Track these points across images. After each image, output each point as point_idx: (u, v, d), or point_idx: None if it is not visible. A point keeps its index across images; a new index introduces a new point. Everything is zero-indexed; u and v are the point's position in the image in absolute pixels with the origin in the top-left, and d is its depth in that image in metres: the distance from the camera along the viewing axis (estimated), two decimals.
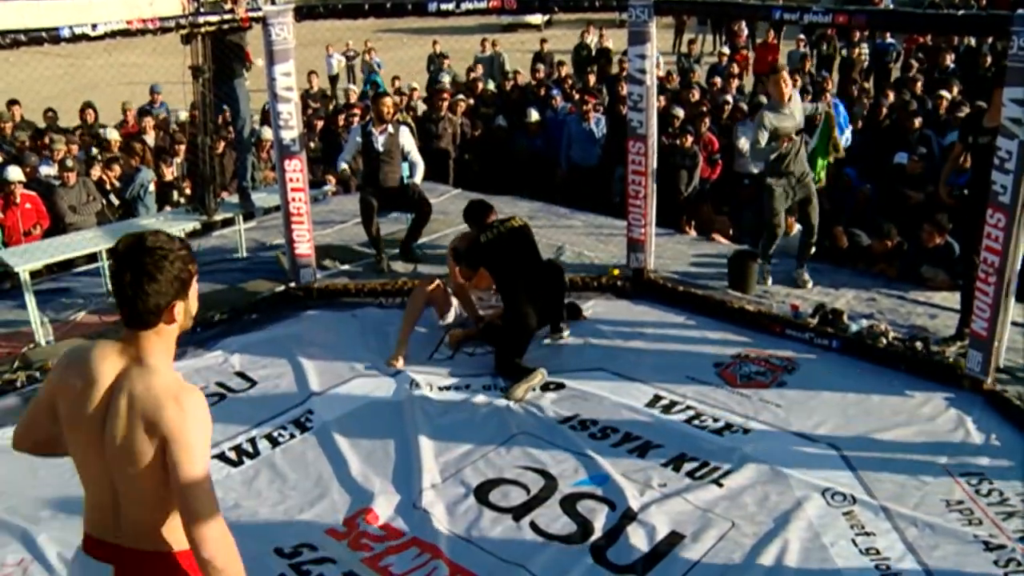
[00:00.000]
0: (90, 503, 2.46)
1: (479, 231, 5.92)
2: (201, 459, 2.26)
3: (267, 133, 9.47)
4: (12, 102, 10.90)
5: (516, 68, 14.63)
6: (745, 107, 10.14)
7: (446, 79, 13.55)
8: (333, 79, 18.28)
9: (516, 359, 5.65)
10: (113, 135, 10.22)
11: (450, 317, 6.25)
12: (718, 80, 12.39)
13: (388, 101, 7.54)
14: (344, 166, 7.64)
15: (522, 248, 5.92)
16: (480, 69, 14.68)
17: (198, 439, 2.27)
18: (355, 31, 17.15)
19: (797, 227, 7.48)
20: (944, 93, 9.91)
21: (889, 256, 7.41)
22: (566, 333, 6.13)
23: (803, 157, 6.64)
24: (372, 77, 16.33)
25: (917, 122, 9.28)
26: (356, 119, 9.79)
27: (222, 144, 9.00)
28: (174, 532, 2.36)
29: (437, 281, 6.15)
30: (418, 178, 7.53)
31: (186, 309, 2.37)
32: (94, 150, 9.95)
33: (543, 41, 17.19)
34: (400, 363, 5.82)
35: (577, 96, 11.53)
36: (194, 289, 2.39)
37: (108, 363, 2.32)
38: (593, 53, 16.72)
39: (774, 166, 6.60)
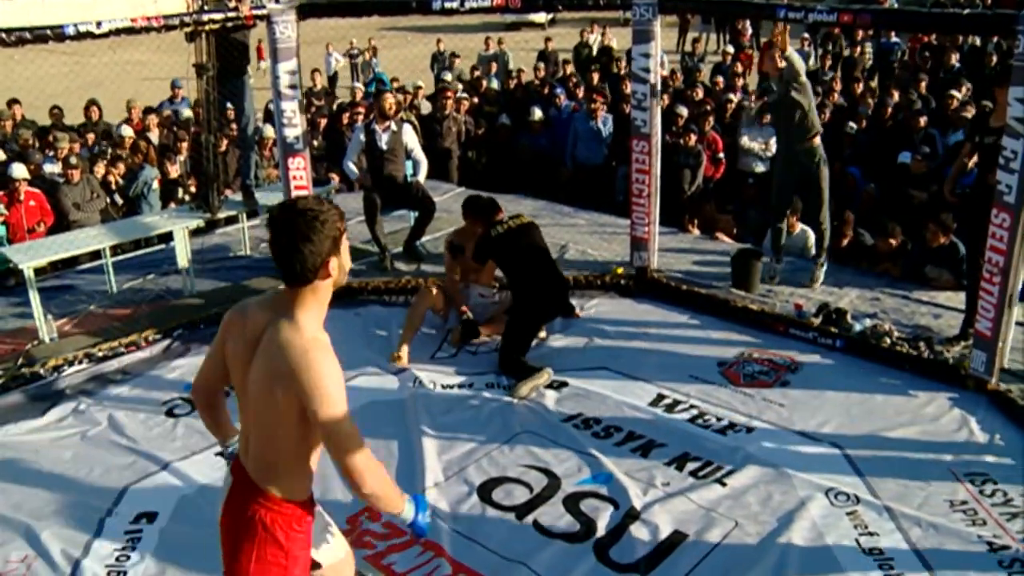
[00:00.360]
0: (241, 432, 2.78)
1: (488, 226, 5.90)
2: (340, 405, 2.49)
3: (269, 131, 9.48)
4: (13, 101, 10.92)
5: (520, 67, 14.63)
6: (752, 106, 10.11)
7: (448, 76, 13.56)
8: (332, 78, 18.29)
9: (522, 356, 5.65)
10: (127, 132, 10.24)
11: (452, 320, 6.26)
12: (721, 80, 12.38)
13: (389, 97, 7.55)
14: (352, 167, 7.59)
15: (532, 242, 5.89)
16: (493, 67, 14.70)
17: (333, 387, 2.49)
18: (359, 29, 17.18)
19: (800, 226, 7.49)
20: (955, 93, 9.89)
21: (893, 256, 7.40)
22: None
23: (800, 135, 6.46)
24: (379, 75, 16.35)
25: (922, 121, 9.26)
26: (360, 117, 9.79)
27: (225, 142, 9.01)
28: (276, 476, 2.64)
29: (436, 290, 6.16)
30: (422, 176, 7.52)
31: (340, 264, 2.59)
32: (108, 148, 9.96)
33: (547, 40, 17.20)
34: (404, 359, 5.82)
35: (581, 94, 11.53)
36: (345, 245, 2.60)
37: (264, 313, 2.61)
38: (594, 53, 16.69)
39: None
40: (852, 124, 9.56)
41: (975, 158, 5.77)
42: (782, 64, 6.40)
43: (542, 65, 14.15)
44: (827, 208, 6.63)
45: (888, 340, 5.81)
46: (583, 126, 10.04)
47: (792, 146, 6.48)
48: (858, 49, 14.47)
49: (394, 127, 7.31)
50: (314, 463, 2.74)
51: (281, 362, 2.49)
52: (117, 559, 4.09)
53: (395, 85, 13.11)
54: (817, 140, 6.44)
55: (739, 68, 12.87)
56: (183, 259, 6.93)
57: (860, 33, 14.25)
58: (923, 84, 10.99)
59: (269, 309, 2.61)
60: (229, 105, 7.95)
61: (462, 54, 17.01)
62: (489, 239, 5.82)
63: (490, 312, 6.25)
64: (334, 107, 12.40)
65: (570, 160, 10.15)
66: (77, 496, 4.57)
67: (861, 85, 11.42)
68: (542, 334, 6.09)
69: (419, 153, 7.50)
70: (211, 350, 2.84)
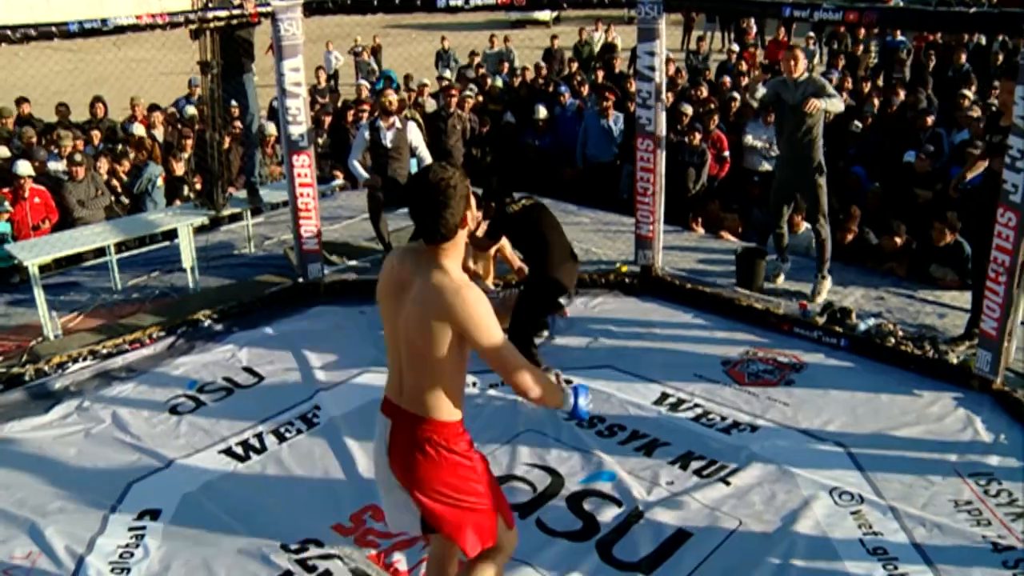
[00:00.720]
0: (389, 370, 3.11)
1: (502, 205, 5.80)
2: (495, 331, 2.85)
3: (271, 128, 9.47)
4: (22, 99, 10.94)
5: (524, 64, 14.62)
6: (755, 104, 10.08)
7: (448, 73, 13.56)
8: (333, 77, 18.27)
9: (532, 335, 5.64)
10: (139, 130, 10.25)
11: None
12: (727, 79, 12.35)
13: (390, 94, 7.56)
14: (358, 166, 7.51)
15: (547, 219, 5.83)
16: (505, 66, 14.69)
17: (485, 318, 2.83)
18: (363, 27, 17.17)
19: (805, 225, 7.47)
20: (966, 92, 9.87)
21: (898, 255, 7.38)
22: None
23: (801, 143, 6.41)
24: (386, 72, 16.35)
25: (930, 120, 9.25)
26: (365, 115, 9.78)
27: (228, 139, 9.01)
28: (435, 403, 2.97)
29: None
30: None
31: (471, 215, 2.92)
32: (114, 145, 9.97)
33: (553, 38, 17.18)
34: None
35: (586, 91, 11.51)
36: (471, 197, 2.92)
37: (414, 260, 2.94)
38: (595, 51, 16.67)
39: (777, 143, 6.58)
40: (857, 123, 9.54)
41: (986, 161, 5.74)
42: (801, 67, 6.36)
43: (544, 64, 14.14)
44: (825, 218, 6.56)
45: (893, 339, 5.80)
46: (594, 124, 9.99)
47: (794, 152, 6.46)
48: (860, 47, 14.44)
49: (398, 124, 7.31)
50: (462, 387, 3.05)
51: (437, 304, 2.81)
52: (121, 555, 4.10)
53: (408, 82, 13.11)
54: (820, 151, 6.41)
55: (744, 67, 12.85)
56: (187, 256, 6.94)
57: (863, 31, 14.21)
58: (930, 84, 10.97)
59: (414, 261, 2.93)
60: (234, 102, 7.95)
61: (467, 52, 17.02)
62: (504, 215, 5.74)
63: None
64: (338, 104, 12.40)
65: (580, 158, 10.11)
66: (81, 493, 4.58)
67: (868, 84, 11.39)
68: (566, 310, 6.04)
69: (423, 151, 7.48)
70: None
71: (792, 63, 6.33)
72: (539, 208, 5.86)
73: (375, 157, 7.39)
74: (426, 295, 2.84)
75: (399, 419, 3.05)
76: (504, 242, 6.03)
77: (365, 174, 7.39)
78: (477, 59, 15.24)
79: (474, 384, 5.60)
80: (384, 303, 3.02)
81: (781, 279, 6.85)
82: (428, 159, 7.52)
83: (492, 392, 5.48)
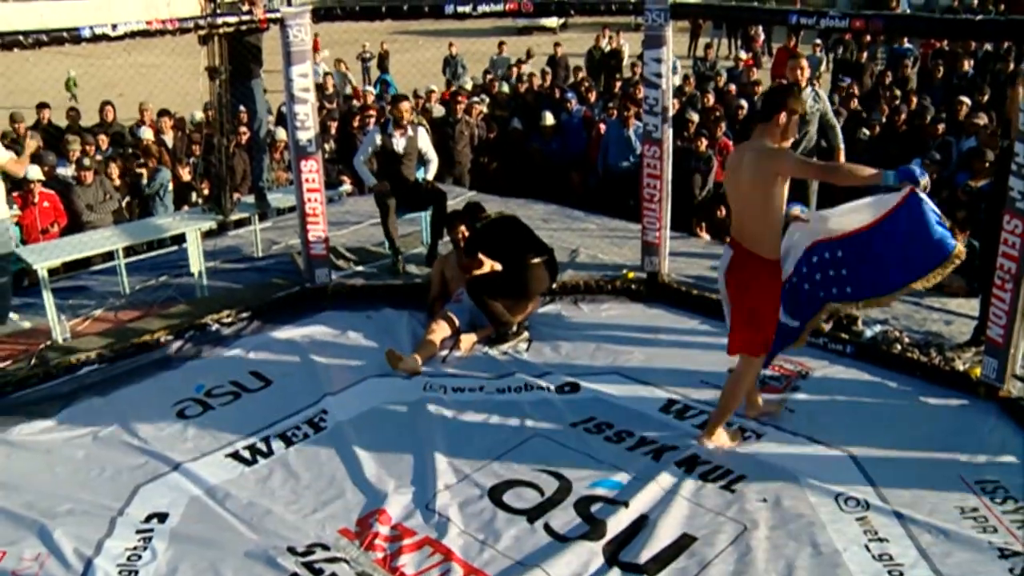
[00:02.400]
0: (732, 217, 4.67)
1: (474, 223, 6.51)
2: (793, 161, 4.57)
3: (281, 134, 9.51)
4: (42, 105, 11.03)
5: (531, 71, 14.66)
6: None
7: (468, 83, 13.61)
8: (318, 87, 18.32)
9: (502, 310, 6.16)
10: (147, 134, 10.31)
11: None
12: (733, 87, 12.37)
13: (406, 106, 7.61)
14: (363, 168, 7.56)
15: (515, 229, 6.47)
16: (518, 74, 14.74)
17: (790, 155, 4.51)
18: (371, 33, 17.21)
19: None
20: (964, 99, 9.88)
21: None
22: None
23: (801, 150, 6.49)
24: (383, 76, 16.41)
25: (940, 128, 9.24)
26: (372, 121, 9.82)
27: (234, 145, 9.04)
28: (765, 244, 4.42)
29: (445, 323, 6.24)
30: (431, 174, 7.59)
31: (787, 122, 4.36)
32: (123, 150, 10.03)
33: (556, 45, 17.23)
34: (417, 364, 5.85)
35: (594, 98, 11.54)
36: (795, 115, 4.41)
37: (744, 147, 4.54)
38: (600, 56, 16.71)
39: None
40: (865, 131, 9.55)
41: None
42: (806, 77, 6.48)
43: (549, 70, 14.18)
44: None
45: (899, 346, 5.80)
46: (615, 133, 9.91)
47: None
48: (865, 54, 14.45)
49: (410, 131, 7.37)
50: (780, 227, 4.47)
51: (758, 161, 4.31)
52: (129, 558, 4.12)
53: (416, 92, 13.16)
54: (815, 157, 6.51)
55: (754, 75, 12.86)
56: (195, 261, 6.97)
57: (866, 38, 14.23)
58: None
59: (744, 148, 4.52)
60: (242, 108, 7.98)
61: (474, 58, 17.07)
62: (474, 232, 6.41)
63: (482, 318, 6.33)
64: (343, 108, 12.44)
65: (601, 167, 10.06)
66: (89, 495, 4.61)
67: (885, 92, 11.40)
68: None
69: (431, 153, 7.57)
70: None
71: (798, 72, 6.38)
72: (506, 219, 6.49)
73: (385, 163, 7.43)
74: (751, 159, 4.33)
75: (738, 252, 4.50)
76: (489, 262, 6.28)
77: (372, 178, 7.43)
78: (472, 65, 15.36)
79: (481, 388, 5.62)
80: (728, 177, 4.60)
81: None
82: (434, 160, 7.58)
83: (499, 398, 5.50)
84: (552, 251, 6.51)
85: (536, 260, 6.30)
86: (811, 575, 3.92)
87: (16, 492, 4.63)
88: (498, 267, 6.23)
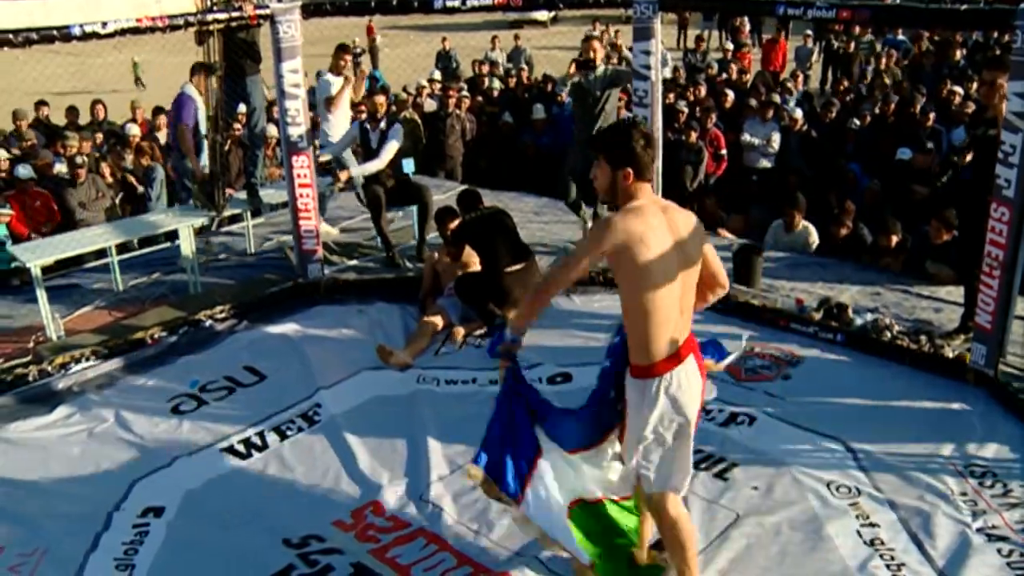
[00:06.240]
0: (675, 320, 3.61)
1: (465, 215, 6.51)
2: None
3: (272, 130, 9.50)
4: (41, 103, 11.01)
5: (521, 65, 14.70)
6: (754, 103, 10.10)
7: (437, 75, 13.67)
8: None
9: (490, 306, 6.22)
10: (133, 130, 10.32)
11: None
12: (722, 75, 12.40)
13: (381, 99, 7.67)
14: (341, 156, 7.70)
15: (501, 229, 6.39)
16: (512, 64, 14.78)
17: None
18: (361, 28, 17.22)
19: (802, 224, 7.53)
20: (955, 88, 9.92)
21: (894, 251, 7.41)
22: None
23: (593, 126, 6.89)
24: (372, 72, 16.41)
25: (931, 118, 9.29)
26: (363, 115, 9.79)
27: (228, 141, 9.04)
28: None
29: (437, 317, 6.28)
30: (367, 169, 7.35)
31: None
32: (115, 145, 10.03)
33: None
34: (408, 358, 5.87)
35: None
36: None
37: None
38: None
39: None
40: (855, 120, 9.59)
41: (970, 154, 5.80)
42: (600, 56, 7.09)
43: (525, 68, 14.34)
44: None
45: (889, 334, 5.84)
46: None
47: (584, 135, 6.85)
48: (852, 44, 14.50)
49: (383, 127, 7.37)
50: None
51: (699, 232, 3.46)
52: (125, 552, 4.15)
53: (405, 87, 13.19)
54: None
55: (745, 64, 12.90)
56: (188, 257, 6.98)
57: (855, 29, 14.28)
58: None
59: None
60: (242, 107, 7.99)
61: (465, 52, 17.07)
62: (462, 224, 6.43)
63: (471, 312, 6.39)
64: None
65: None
66: (85, 491, 4.63)
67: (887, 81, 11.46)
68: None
69: (385, 149, 7.30)
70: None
71: (591, 53, 6.98)
72: (497, 217, 6.43)
73: (366, 157, 7.44)
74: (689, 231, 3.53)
75: (697, 353, 3.62)
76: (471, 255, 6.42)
77: (353, 167, 7.52)
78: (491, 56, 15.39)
79: (474, 380, 5.65)
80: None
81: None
82: (381, 160, 7.31)
83: (493, 389, 5.50)
84: (533, 255, 6.49)
85: (512, 269, 6.24)
86: (803, 561, 3.96)
87: (12, 488, 4.66)
88: (477, 268, 6.30)
